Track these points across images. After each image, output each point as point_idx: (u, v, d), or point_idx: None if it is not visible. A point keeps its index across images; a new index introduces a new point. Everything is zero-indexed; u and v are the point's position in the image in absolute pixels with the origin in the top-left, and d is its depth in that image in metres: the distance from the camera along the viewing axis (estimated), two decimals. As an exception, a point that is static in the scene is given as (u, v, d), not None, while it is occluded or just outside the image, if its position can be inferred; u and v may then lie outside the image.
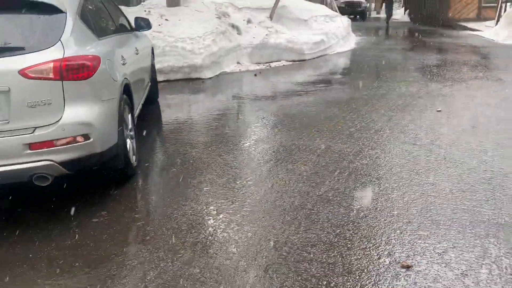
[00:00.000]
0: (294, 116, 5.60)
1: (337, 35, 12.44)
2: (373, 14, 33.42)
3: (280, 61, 10.41)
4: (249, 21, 11.37)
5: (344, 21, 13.84)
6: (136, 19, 5.22)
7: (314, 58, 10.82)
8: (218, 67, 8.96)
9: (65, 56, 2.89)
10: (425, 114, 5.49)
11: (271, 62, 10.29)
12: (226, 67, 9.28)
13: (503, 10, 14.50)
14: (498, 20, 14.40)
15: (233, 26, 10.58)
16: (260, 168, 3.97)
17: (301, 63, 10.34)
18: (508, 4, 14.01)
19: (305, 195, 3.33)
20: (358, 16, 26.05)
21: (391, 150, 4.27)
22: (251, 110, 6.17)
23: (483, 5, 18.25)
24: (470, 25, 16.60)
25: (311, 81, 8.17)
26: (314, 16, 13.00)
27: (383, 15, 32.25)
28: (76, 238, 2.81)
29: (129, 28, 5.06)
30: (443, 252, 2.52)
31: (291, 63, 10.31)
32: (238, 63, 9.83)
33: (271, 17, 11.83)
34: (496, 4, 16.56)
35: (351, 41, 13.39)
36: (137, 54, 4.65)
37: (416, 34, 15.96)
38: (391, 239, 2.68)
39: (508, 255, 2.47)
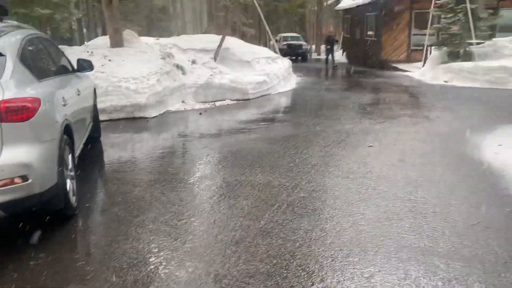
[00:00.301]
0: (237, 153, 5.80)
1: (279, 76, 13.02)
2: (314, 56, 35.12)
3: (224, 100, 10.71)
4: (193, 62, 11.68)
5: (285, 63, 14.52)
6: (79, 60, 5.29)
7: (257, 98, 11.22)
8: (162, 106, 9.07)
9: (5, 98, 2.93)
10: (358, 149, 5.89)
11: (216, 101, 10.56)
12: (171, 106, 9.41)
13: (428, 53, 15.85)
14: (424, 62, 15.73)
15: (177, 66, 10.83)
16: (203, 204, 4.08)
17: (245, 102, 10.69)
18: (433, 47, 15.30)
19: (246, 229, 3.47)
20: (299, 58, 27.30)
21: (326, 184, 4.54)
22: (196, 147, 6.30)
23: (411, 48, 19.80)
24: (401, 66, 17.94)
25: (254, 119, 8.48)
26: (257, 58, 13.57)
27: (323, 56, 34.11)
28: (14, 282, 2.75)
29: (71, 69, 5.11)
30: (369, 276, 2.74)
31: (235, 102, 10.63)
32: (183, 102, 10.01)
33: (215, 58, 12.22)
34: (422, 48, 18.08)
35: (292, 81, 14.03)
36: (78, 95, 4.69)
37: (353, 75, 17.04)
38: (324, 266, 2.87)
39: (426, 276, 2.73)
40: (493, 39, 14.08)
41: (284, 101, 11.07)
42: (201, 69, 11.52)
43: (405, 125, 7.53)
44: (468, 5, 12.72)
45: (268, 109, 9.91)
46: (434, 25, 14.61)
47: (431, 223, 3.53)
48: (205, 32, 35.13)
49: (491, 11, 14.31)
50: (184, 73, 10.84)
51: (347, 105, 9.88)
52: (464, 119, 8.01)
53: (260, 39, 30.31)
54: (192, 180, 4.77)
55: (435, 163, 5.24)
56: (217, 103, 10.35)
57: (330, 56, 22.15)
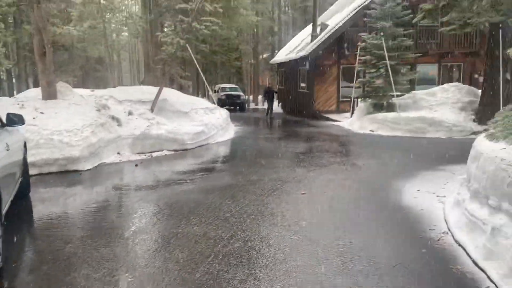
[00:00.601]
0: (174, 205, 5.83)
1: (217, 126, 13.31)
2: (252, 106, 36.23)
3: (162, 151, 10.72)
4: (130, 113, 11.68)
5: (223, 113, 14.90)
6: (8, 114, 5.18)
7: (195, 148, 11.35)
8: (97, 158, 8.92)
9: None
10: (292, 197, 6.16)
11: (153, 152, 10.55)
12: (106, 158, 9.27)
13: (355, 105, 17.03)
14: (352, 113, 16.85)
15: (113, 118, 10.77)
16: (138, 259, 4.05)
17: (183, 152, 10.77)
18: (359, 99, 16.47)
19: (181, 281, 3.50)
20: (238, 108, 28.02)
21: (261, 232, 4.70)
22: (131, 200, 6.24)
23: (340, 99, 21.16)
24: (331, 116, 19.05)
25: (192, 169, 8.56)
26: (195, 109, 13.83)
27: (261, 106, 35.30)
28: None
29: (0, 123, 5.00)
30: (300, 320, 2.88)
31: (173, 152, 10.68)
32: (118, 153, 9.89)
33: (152, 110, 12.31)
34: (349, 100, 19.38)
35: (231, 131, 14.38)
36: (7, 150, 4.58)
37: (288, 124, 17.81)
38: (257, 314, 2.97)
39: (351, 316, 2.92)
40: (412, 92, 15.47)
41: (222, 151, 11.29)
42: (138, 120, 11.53)
43: (335, 172, 7.98)
44: (387, 61, 14.00)
45: (206, 159, 10.06)
46: (359, 79, 15.85)
47: (358, 266, 3.78)
48: (142, 83, 35.19)
49: (409, 66, 15.80)
50: (120, 124, 10.79)
51: (282, 154, 10.28)
52: (388, 166, 8.65)
53: (199, 90, 30.90)
54: (126, 235, 4.72)
55: (361, 208, 5.61)
56: (154, 154, 10.34)
57: (269, 107, 22.99)
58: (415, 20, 14.26)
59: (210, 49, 28.02)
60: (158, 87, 13.05)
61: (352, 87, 20.45)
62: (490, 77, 13.35)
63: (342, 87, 21.10)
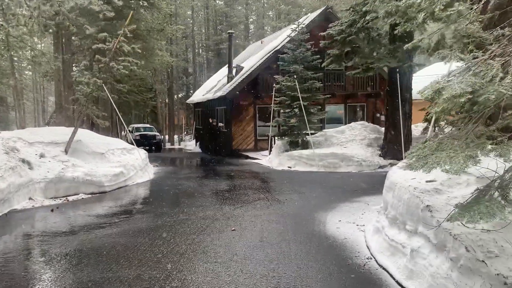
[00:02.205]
0: (100, 249, 5.57)
1: (136, 167, 12.98)
2: (168, 145, 35.78)
3: (78, 194, 10.19)
4: (42, 156, 11.00)
5: (141, 153, 14.60)
6: None
7: (114, 190, 10.95)
8: (7, 204, 8.21)
9: None
10: (223, 234, 6.22)
11: (69, 196, 10.00)
12: (16, 204, 8.57)
13: (272, 143, 17.71)
14: (270, 151, 17.47)
15: (23, 161, 10.06)
16: (68, 307, 3.82)
17: (102, 195, 10.32)
18: (276, 138, 17.17)
19: (120, 327, 3.37)
20: (153, 148, 27.50)
21: (196, 270, 4.68)
22: (47, 249, 5.83)
23: (258, 138, 21.87)
24: (250, 154, 19.55)
25: (114, 212, 8.24)
26: (111, 150, 13.40)
27: (177, 146, 34.98)
28: None
29: None
30: None
31: (90, 196, 10.19)
32: (31, 199, 9.21)
33: (66, 151, 11.71)
34: (267, 138, 20.11)
35: (150, 172, 14.08)
36: None
37: (208, 163, 17.88)
38: None
39: None
40: (324, 130, 16.54)
41: (143, 192, 11.00)
42: (51, 162, 10.89)
43: (261, 208, 8.20)
44: (301, 102, 14.92)
45: (128, 200, 9.73)
46: (276, 119, 16.63)
47: (294, 295, 3.94)
48: (47, 124, 33.12)
49: (319, 107, 16.93)
50: (31, 167, 10.09)
51: (207, 192, 10.31)
52: (308, 200, 9.09)
53: (112, 130, 29.87)
54: (49, 286, 4.41)
55: (289, 241, 5.84)
56: (71, 198, 9.79)
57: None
58: (323, 64, 15.50)
59: (125, 88, 27.59)
60: (72, 128, 12.49)
61: (269, 126, 21.40)
62: (391, 116, 14.80)
63: (259, 126, 21.84)
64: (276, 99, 16.64)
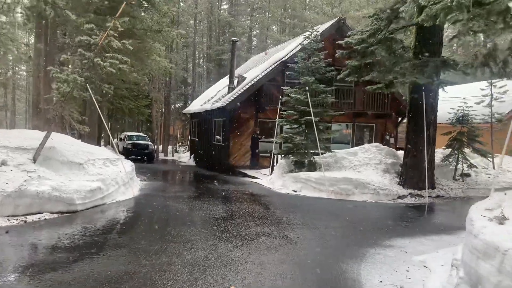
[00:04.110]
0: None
1: (118, 181, 11.13)
2: (161, 156, 33.88)
3: (42, 213, 8.31)
4: (3, 163, 9.15)
5: (127, 165, 12.74)
6: None
7: (88, 209, 9.09)
8: None
9: None
10: (218, 297, 4.37)
11: (30, 214, 8.11)
12: (-47, 226, 6.68)
13: (275, 161, 15.88)
14: (272, 170, 15.64)
15: (-24, 169, 8.19)
16: None
17: (70, 215, 8.45)
18: (280, 156, 15.36)
19: None
20: (145, 158, 25.69)
21: None
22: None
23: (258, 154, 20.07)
24: (249, 172, 17.70)
25: (77, 244, 6.36)
26: (92, 160, 11.56)
27: (170, 157, 33.07)
28: None
29: None
30: None
31: (56, 215, 8.32)
32: (-25, 219, 7.31)
33: (34, 159, 9.83)
34: (268, 155, 18.30)
35: (135, 187, 12.22)
36: None
37: (202, 180, 15.98)
38: None
39: None
40: (334, 150, 14.75)
41: (121, 215, 9.09)
42: (12, 172, 9.02)
43: (267, 250, 6.35)
44: (313, 117, 13.16)
45: (100, 226, 7.84)
46: (281, 135, 14.81)
47: None
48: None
49: (329, 124, 15.20)
50: (-15, 178, 8.21)
51: (198, 220, 8.46)
52: (327, 239, 7.25)
53: (101, 138, 27.99)
54: None
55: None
56: (30, 218, 7.90)
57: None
58: (339, 76, 13.82)
59: (118, 94, 25.80)
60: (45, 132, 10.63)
61: (270, 142, 19.62)
62: (412, 139, 13.07)
63: (259, 141, 20.07)
64: (282, 112, 14.87)
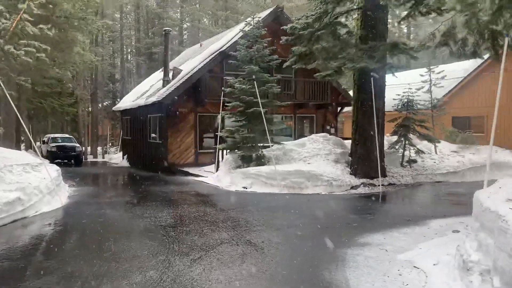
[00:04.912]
0: None
1: (42, 190, 9.52)
2: (90, 158, 31.44)
3: None
4: None
5: (51, 170, 11.08)
6: None
7: (5, 225, 7.56)
8: None
9: None
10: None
11: None
12: None
13: (220, 157, 14.85)
14: (218, 167, 14.60)
15: None
16: None
17: (-19, 235, 6.88)
18: (226, 151, 14.36)
19: None
20: (72, 161, 23.50)
21: None
22: None
23: (199, 151, 18.91)
24: (191, 170, 16.52)
25: (-11, 274, 4.96)
26: (9, 166, 9.86)
27: (100, 159, 30.72)
28: None
29: None
30: None
31: (-38, 237, 6.72)
32: None
33: None
34: (211, 151, 17.26)
35: (63, 195, 10.63)
36: None
37: (140, 182, 14.54)
38: None
39: None
40: (282, 142, 14.01)
41: (48, 230, 7.61)
42: None
43: (232, 261, 5.37)
44: (261, 109, 12.30)
45: (20, 246, 6.39)
46: (227, 128, 13.79)
47: None
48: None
49: (276, 115, 14.47)
50: None
51: (143, 230, 7.26)
52: (295, 241, 6.42)
53: (20, 142, 25.18)
54: None
55: None
56: None
57: None
58: (286, 64, 13.10)
59: (39, 91, 23.27)
60: None
61: (212, 137, 18.56)
62: (362, 127, 12.69)
63: (200, 137, 18.93)
64: (227, 104, 13.84)
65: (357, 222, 7.79)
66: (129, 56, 48.70)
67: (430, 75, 16.78)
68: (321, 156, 13.13)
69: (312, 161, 12.89)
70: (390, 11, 12.80)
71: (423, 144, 15.33)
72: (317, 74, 13.26)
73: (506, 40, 5.90)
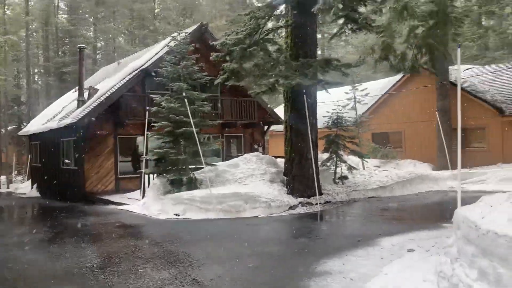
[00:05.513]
0: None
1: None
2: (3, 189, 28.01)
3: None
4: None
5: None
6: None
7: None
8: None
9: None
10: None
11: None
12: None
13: (146, 183, 13.65)
14: (144, 193, 13.38)
15: None
16: None
17: None
18: (154, 175, 13.23)
19: None
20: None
21: None
22: None
23: (120, 176, 17.43)
24: (112, 198, 15.01)
25: None
26: None
27: (5, 189, 27.39)
28: None
29: None
30: None
31: None
32: None
33: None
34: (135, 175, 15.98)
35: (-43, 237, 8.85)
36: None
37: (55, 215, 12.79)
38: None
39: None
40: (214, 164, 13.27)
41: None
42: None
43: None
44: (193, 128, 11.48)
45: None
46: (155, 150, 12.70)
47: None
48: None
49: (208, 135, 13.73)
50: None
51: (63, 274, 6.06)
52: (249, 277, 5.69)
53: None
54: None
55: None
56: None
57: None
58: (217, 81, 12.47)
59: None
60: None
61: (136, 160, 17.29)
62: (296, 145, 12.41)
63: (121, 161, 17.49)
64: (154, 124, 12.77)
65: (307, 246, 7.27)
66: (36, 77, 44.96)
67: (354, 93, 17.20)
68: (256, 177, 12.60)
69: (248, 182, 12.30)
70: (326, 28, 12.82)
71: (352, 160, 15.52)
72: (251, 91, 12.83)
73: (459, 50, 5.85)
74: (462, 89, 19.18)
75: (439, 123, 17.55)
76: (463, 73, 20.89)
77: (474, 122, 18.23)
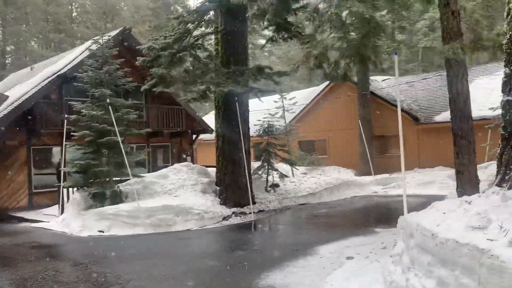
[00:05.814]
0: None
1: None
2: None
3: None
4: None
5: None
6: None
7: None
8: None
9: None
10: None
11: None
12: None
13: (65, 197, 12.53)
14: (62, 208, 12.26)
15: None
16: None
17: None
18: (72, 189, 12.17)
19: None
20: None
21: None
22: None
23: (34, 191, 15.90)
24: (26, 215, 13.60)
25: None
26: None
27: None
28: None
29: None
30: None
31: None
32: None
33: None
34: (52, 190, 14.65)
35: None
36: None
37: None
38: None
39: None
40: (140, 175, 12.53)
41: None
42: None
43: None
44: (119, 137, 10.72)
45: None
46: (76, 162, 11.67)
47: None
48: None
49: (133, 145, 12.99)
50: None
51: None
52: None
53: None
54: None
55: None
56: None
57: None
58: (144, 87, 11.81)
59: None
60: None
61: (52, 173, 15.93)
62: (229, 154, 12.14)
63: (35, 174, 16.00)
64: (73, 134, 11.75)
65: (246, 259, 6.99)
66: None
67: (283, 101, 17.38)
68: (187, 187, 12.10)
69: (179, 194, 11.76)
70: (252, 37, 12.74)
71: (282, 168, 15.60)
72: (181, 98, 12.36)
73: (396, 58, 5.97)
74: (382, 98, 20.26)
75: (361, 131, 18.28)
76: (381, 83, 22.07)
77: (393, 130, 19.28)
